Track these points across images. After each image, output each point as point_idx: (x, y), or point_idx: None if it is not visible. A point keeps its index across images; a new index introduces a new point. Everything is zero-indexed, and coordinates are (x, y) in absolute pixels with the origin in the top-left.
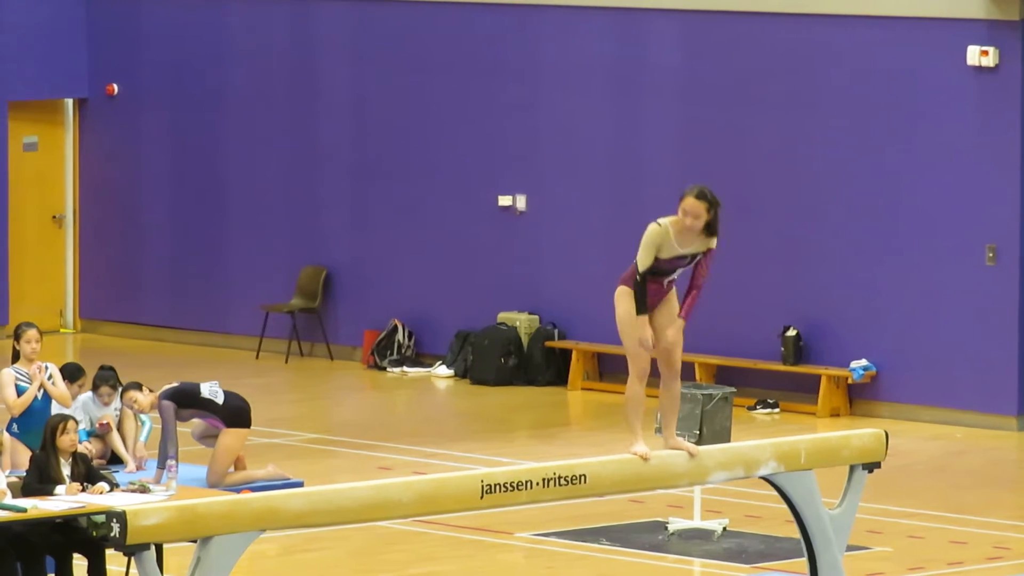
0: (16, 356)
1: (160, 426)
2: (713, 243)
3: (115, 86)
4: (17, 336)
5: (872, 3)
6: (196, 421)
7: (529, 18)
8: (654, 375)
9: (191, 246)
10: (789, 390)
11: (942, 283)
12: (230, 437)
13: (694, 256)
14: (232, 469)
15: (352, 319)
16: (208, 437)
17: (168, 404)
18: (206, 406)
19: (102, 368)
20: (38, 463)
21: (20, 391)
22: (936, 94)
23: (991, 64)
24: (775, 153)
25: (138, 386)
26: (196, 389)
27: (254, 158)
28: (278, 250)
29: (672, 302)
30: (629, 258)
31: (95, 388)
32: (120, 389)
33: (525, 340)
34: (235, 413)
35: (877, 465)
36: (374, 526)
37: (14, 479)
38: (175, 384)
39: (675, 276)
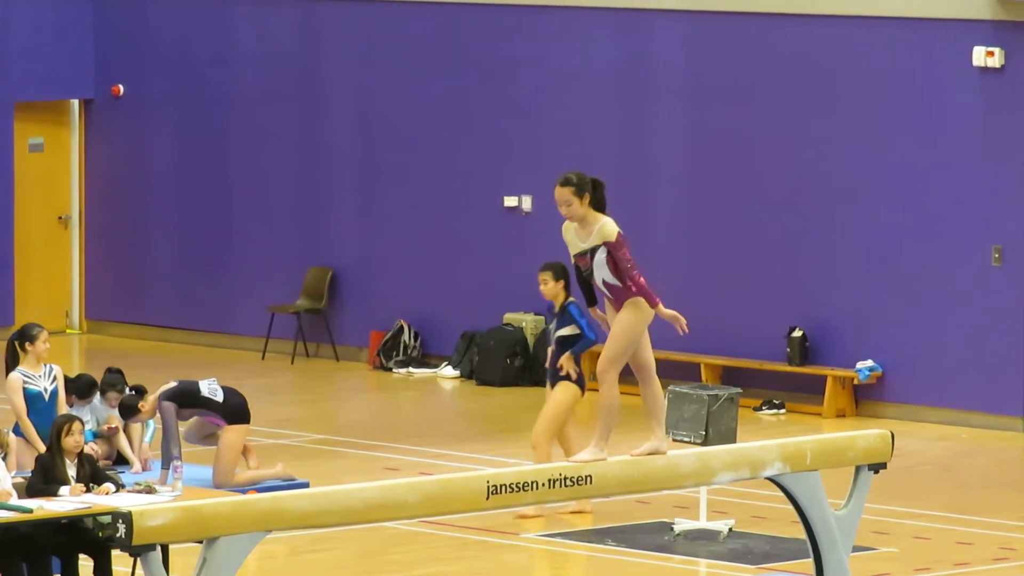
0: (16, 358)
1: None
2: (611, 235)
3: (121, 87)
4: (32, 338)
5: (877, 4)
6: (192, 421)
7: (535, 19)
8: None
9: (197, 247)
10: (795, 391)
11: (948, 284)
12: (233, 434)
13: (593, 250)
14: (239, 470)
15: (358, 320)
16: (209, 436)
17: (169, 405)
18: (207, 404)
19: (109, 371)
20: (43, 464)
21: (28, 393)
22: (942, 95)
23: (997, 65)
24: (780, 154)
25: (135, 401)
26: (196, 388)
27: (260, 159)
28: (284, 251)
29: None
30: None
31: (102, 393)
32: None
33: (531, 341)
34: (235, 409)
35: (883, 466)
36: (380, 527)
37: (20, 480)
38: (174, 384)
39: (599, 278)
